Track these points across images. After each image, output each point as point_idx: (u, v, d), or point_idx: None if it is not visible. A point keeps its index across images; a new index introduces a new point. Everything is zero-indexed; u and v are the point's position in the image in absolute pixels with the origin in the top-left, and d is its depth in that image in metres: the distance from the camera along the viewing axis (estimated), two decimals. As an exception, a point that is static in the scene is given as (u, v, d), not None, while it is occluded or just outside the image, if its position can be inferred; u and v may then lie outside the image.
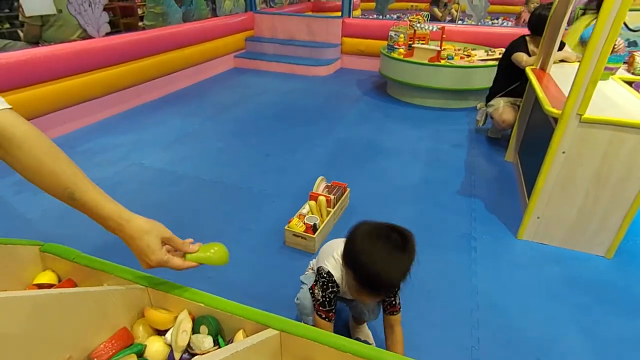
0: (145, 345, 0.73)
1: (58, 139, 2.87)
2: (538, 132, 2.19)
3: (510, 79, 2.78)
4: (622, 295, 1.59)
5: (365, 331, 1.37)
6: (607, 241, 1.77)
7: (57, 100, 2.85)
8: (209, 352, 0.69)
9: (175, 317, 0.76)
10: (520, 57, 2.61)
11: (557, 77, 2.21)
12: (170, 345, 0.73)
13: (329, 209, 1.93)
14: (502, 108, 2.77)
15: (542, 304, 1.53)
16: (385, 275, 0.84)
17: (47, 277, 0.88)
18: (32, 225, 1.92)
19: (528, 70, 2.34)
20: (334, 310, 1.08)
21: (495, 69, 2.99)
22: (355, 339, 1.30)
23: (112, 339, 0.71)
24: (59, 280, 0.88)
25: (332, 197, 1.94)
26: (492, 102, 2.90)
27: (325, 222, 1.84)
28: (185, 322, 0.72)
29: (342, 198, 2.06)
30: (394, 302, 1.10)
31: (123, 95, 3.46)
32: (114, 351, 0.69)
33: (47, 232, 1.85)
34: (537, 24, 2.48)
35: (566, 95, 1.59)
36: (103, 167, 2.47)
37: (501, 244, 1.89)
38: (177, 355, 0.71)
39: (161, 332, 0.78)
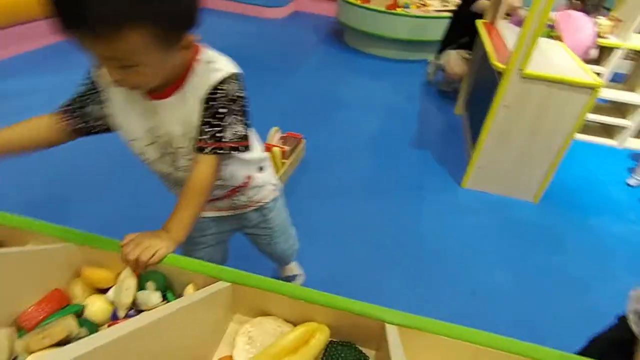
0: (85, 305, 0.68)
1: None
2: (485, 86, 2.27)
3: (461, 32, 2.80)
4: (543, 234, 1.82)
5: (289, 266, 1.35)
6: (535, 187, 1.96)
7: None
8: (157, 307, 0.66)
9: (117, 275, 0.71)
10: (481, 4, 2.58)
11: (505, 32, 2.26)
12: (113, 303, 0.69)
13: (283, 160, 1.89)
14: (453, 60, 2.81)
15: (477, 245, 1.70)
16: None
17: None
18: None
19: (478, 23, 2.36)
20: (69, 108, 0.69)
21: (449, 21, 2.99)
22: (284, 278, 1.34)
23: (41, 301, 0.65)
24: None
25: (286, 148, 1.90)
26: (443, 55, 2.93)
27: (280, 174, 1.81)
28: (128, 280, 0.68)
29: (297, 150, 2.02)
30: (209, 130, 0.64)
31: (42, 27, 2.84)
32: (45, 314, 0.64)
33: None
34: None
35: (511, 50, 1.64)
36: (20, 115, 2.14)
37: (447, 192, 2.02)
38: (121, 313, 0.67)
39: (103, 291, 0.73)
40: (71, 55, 2.90)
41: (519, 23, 2.18)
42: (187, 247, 0.98)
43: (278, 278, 0.91)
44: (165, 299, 0.70)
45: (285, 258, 1.15)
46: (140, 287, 0.70)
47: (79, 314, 0.67)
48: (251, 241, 1.08)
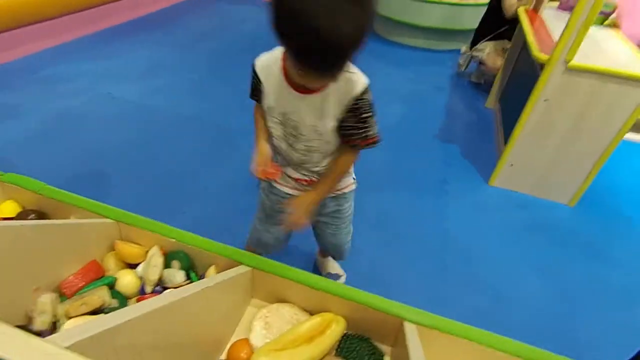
0: (117, 278, 0.73)
1: (15, 63, 2.61)
2: (522, 78, 2.15)
3: (499, 21, 2.64)
4: (579, 240, 1.71)
5: (333, 264, 1.38)
6: (572, 190, 1.85)
7: (11, 17, 2.52)
8: (181, 286, 0.70)
9: (147, 252, 0.76)
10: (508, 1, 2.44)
11: (550, 20, 2.12)
12: (141, 279, 0.74)
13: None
14: (494, 52, 2.67)
15: (504, 247, 1.63)
16: (327, 29, 0.55)
17: (9, 207, 0.85)
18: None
19: (521, 11, 2.22)
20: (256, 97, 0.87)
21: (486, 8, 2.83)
22: (326, 275, 1.37)
23: (81, 271, 0.71)
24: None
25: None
26: (480, 47, 2.78)
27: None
28: (156, 257, 0.72)
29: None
30: (358, 131, 0.79)
31: (87, 16, 3.09)
32: (83, 283, 0.69)
33: (9, 162, 1.76)
34: None
35: (556, 40, 1.53)
36: (67, 97, 2.29)
37: (473, 189, 1.95)
38: (148, 289, 0.72)
39: (132, 266, 0.78)
40: (109, 44, 3.04)
41: (570, 9, 2.03)
42: (266, 217, 1.07)
43: (319, 274, 0.91)
44: (188, 278, 0.74)
45: (343, 252, 1.20)
46: (166, 265, 0.74)
47: (112, 285, 0.72)
48: (316, 229, 1.13)
